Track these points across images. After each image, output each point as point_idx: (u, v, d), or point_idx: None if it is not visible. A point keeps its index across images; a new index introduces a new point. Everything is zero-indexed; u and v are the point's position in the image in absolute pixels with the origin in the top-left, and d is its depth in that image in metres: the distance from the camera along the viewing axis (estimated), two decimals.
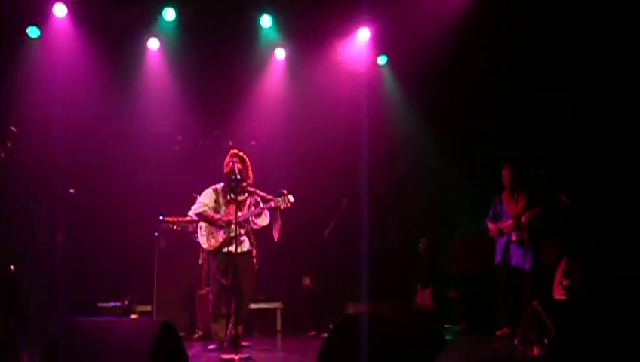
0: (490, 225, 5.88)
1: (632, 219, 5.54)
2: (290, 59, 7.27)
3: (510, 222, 5.69)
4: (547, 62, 6.39)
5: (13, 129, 4.24)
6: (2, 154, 4.16)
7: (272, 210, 5.13)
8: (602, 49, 5.96)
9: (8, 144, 4.19)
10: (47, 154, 6.25)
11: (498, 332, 5.59)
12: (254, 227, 5.19)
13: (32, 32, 6.55)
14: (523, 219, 5.57)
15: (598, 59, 6.00)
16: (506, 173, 5.84)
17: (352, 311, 5.82)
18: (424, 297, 6.47)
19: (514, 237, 5.66)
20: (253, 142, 6.88)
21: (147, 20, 6.77)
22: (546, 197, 5.39)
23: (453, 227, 7.10)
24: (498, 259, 5.78)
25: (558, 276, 5.42)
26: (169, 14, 6.70)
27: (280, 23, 6.97)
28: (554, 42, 6.30)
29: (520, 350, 4.01)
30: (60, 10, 6.48)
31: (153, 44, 6.95)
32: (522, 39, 6.42)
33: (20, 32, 6.50)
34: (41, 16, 6.51)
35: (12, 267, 3.49)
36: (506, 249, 5.71)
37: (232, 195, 5.13)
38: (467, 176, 7.09)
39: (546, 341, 3.53)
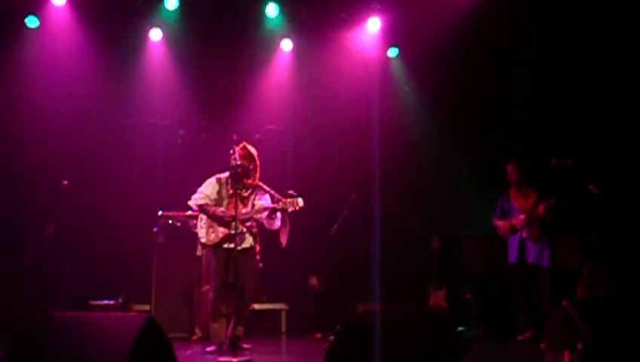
0: (500, 223, 5.56)
1: None
2: (297, 51, 6.99)
3: (522, 217, 5.37)
4: (563, 50, 6.13)
5: None
6: None
7: (280, 212, 4.82)
8: (618, 33, 5.69)
9: None
10: (44, 145, 6.03)
11: (521, 337, 5.23)
12: (268, 228, 4.88)
13: (31, 21, 6.34)
14: (540, 210, 5.23)
15: (617, 43, 5.72)
16: (510, 169, 5.56)
17: (359, 311, 5.47)
18: (437, 299, 6.12)
19: (525, 234, 5.33)
20: (257, 136, 6.60)
21: (149, 9, 6.54)
22: (572, 188, 5.05)
23: (468, 225, 6.76)
24: (513, 257, 5.45)
25: (583, 278, 5.05)
26: (171, 3, 6.47)
27: (286, 11, 6.70)
28: (569, 31, 6.03)
29: (548, 355, 3.63)
30: None
31: (155, 34, 6.71)
32: (538, 29, 6.16)
33: (19, 21, 6.30)
34: (40, 5, 6.31)
35: None
36: (521, 246, 5.38)
37: (235, 189, 4.84)
38: (482, 172, 6.77)
39: (579, 345, 3.15)
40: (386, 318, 3.36)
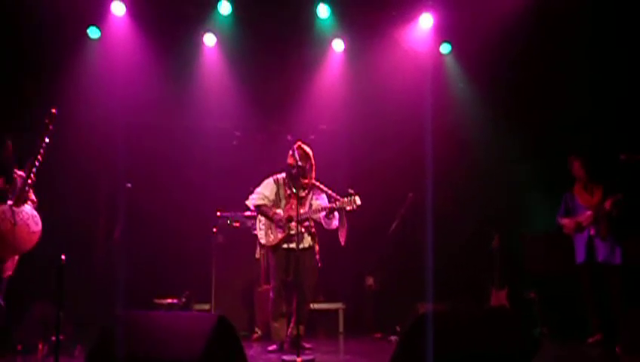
0: (566, 221, 5.38)
1: None
2: (348, 50, 6.99)
3: (589, 213, 5.18)
4: (624, 44, 5.88)
5: (54, 111, 4.16)
6: (47, 139, 4.09)
7: (338, 211, 4.83)
8: None
9: (51, 127, 4.11)
10: (106, 151, 6.25)
11: (591, 339, 5.03)
12: (326, 227, 4.92)
13: (93, 32, 6.58)
14: (607, 206, 5.02)
15: None
16: (577, 165, 5.37)
17: (425, 311, 5.41)
18: (499, 299, 5.98)
19: (593, 231, 5.14)
20: (312, 136, 6.62)
21: (203, 15, 6.68)
22: None
23: (528, 223, 6.57)
24: (582, 256, 5.24)
25: None
26: (224, 8, 6.58)
27: (337, 11, 6.70)
28: (630, 24, 5.77)
29: (625, 360, 3.45)
30: (118, 9, 6.49)
31: (209, 39, 6.84)
32: (596, 24, 5.93)
33: (81, 33, 6.54)
34: (101, 16, 6.53)
35: (63, 257, 3.35)
36: (590, 244, 5.18)
37: (293, 190, 4.90)
38: (540, 169, 6.58)
39: None
40: (453, 318, 3.32)
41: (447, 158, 6.67)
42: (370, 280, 6.40)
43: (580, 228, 5.26)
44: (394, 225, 5.91)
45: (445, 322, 3.28)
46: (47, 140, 4.08)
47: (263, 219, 5.02)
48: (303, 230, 4.88)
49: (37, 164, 4.05)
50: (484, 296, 6.15)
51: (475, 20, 6.42)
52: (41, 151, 4.05)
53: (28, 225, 4.05)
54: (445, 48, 7.07)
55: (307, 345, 4.92)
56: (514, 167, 6.81)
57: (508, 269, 6.12)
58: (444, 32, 6.91)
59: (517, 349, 3.13)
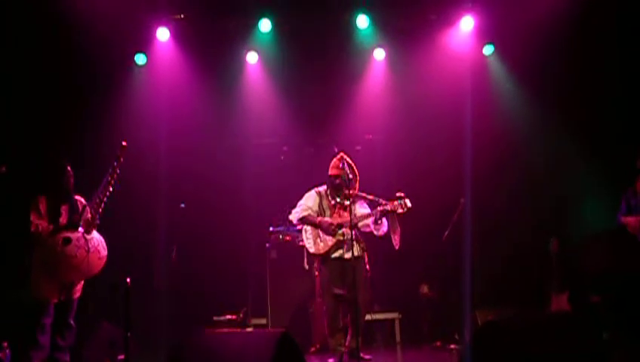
0: (630, 219, 5.17)
1: None
2: (390, 58, 6.98)
3: None
4: None
5: (124, 143, 4.32)
6: (118, 171, 4.25)
7: (389, 215, 4.82)
8: None
9: (122, 159, 4.27)
10: (160, 173, 6.42)
11: None
12: (376, 234, 4.93)
13: (140, 59, 6.79)
14: None
15: None
16: None
17: (483, 319, 5.31)
18: (560, 303, 5.81)
19: None
20: (358, 147, 6.66)
21: (244, 34, 6.80)
22: None
23: (585, 224, 6.36)
24: None
25: None
26: (265, 25, 6.68)
27: (377, 21, 6.71)
28: None
29: None
30: (162, 34, 6.68)
31: (252, 57, 6.96)
32: None
33: (129, 60, 6.75)
34: (147, 42, 6.73)
35: (128, 279, 3.47)
36: None
37: (337, 200, 4.93)
38: (593, 167, 6.37)
39: None
40: (516, 324, 3.25)
41: (497, 161, 6.56)
42: (424, 288, 6.34)
43: None
44: (447, 232, 5.83)
45: (509, 329, 3.21)
46: (118, 171, 4.25)
47: (309, 228, 5.03)
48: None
49: (108, 193, 4.22)
50: (543, 302, 5.98)
51: (517, 19, 6.33)
52: (112, 181, 4.22)
53: (98, 251, 4.24)
54: (488, 50, 6.97)
55: (367, 357, 4.89)
56: (566, 167, 6.62)
57: (568, 272, 5.94)
58: (486, 33, 6.82)
59: (587, 356, 3.03)
